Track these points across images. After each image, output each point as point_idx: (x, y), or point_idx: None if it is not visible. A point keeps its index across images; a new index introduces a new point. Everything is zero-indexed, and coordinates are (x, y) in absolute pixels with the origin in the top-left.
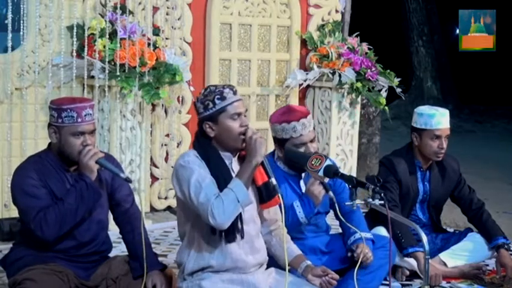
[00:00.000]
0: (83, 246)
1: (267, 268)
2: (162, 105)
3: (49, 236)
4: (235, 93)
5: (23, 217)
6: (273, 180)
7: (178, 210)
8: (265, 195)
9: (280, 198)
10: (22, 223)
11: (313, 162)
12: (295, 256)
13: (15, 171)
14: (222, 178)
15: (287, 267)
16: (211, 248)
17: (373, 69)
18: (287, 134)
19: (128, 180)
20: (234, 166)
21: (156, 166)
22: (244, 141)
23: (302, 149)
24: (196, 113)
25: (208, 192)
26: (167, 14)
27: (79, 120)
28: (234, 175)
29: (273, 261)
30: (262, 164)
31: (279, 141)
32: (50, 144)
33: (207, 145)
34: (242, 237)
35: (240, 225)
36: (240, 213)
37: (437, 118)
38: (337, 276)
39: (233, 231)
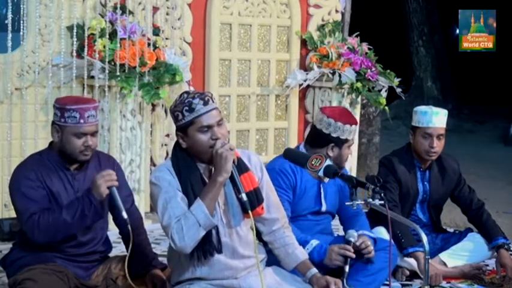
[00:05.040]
0: (82, 245)
1: (267, 265)
2: (162, 105)
3: (39, 239)
4: (206, 103)
5: (18, 217)
6: (243, 196)
7: None
8: (241, 208)
9: (251, 215)
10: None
11: (313, 162)
12: (301, 262)
13: (15, 170)
14: (192, 192)
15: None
16: (192, 261)
17: (373, 69)
18: (336, 132)
19: (126, 221)
20: None
21: (156, 166)
22: None
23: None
24: None
25: (172, 214)
26: (167, 14)
27: (81, 121)
28: None
29: (274, 260)
30: (231, 178)
31: (323, 136)
32: (51, 142)
33: (181, 155)
34: (219, 252)
35: (215, 242)
36: (217, 228)
37: (429, 116)
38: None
39: (208, 249)
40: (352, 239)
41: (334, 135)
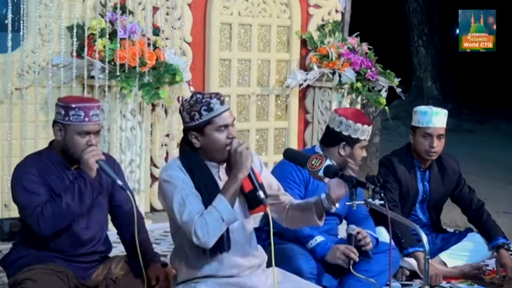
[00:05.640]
0: (82, 245)
1: (268, 266)
2: (162, 105)
3: (45, 231)
4: (222, 103)
5: (21, 212)
6: (261, 194)
7: (169, 219)
8: (248, 204)
9: (268, 207)
10: (22, 222)
11: (313, 162)
12: (313, 203)
13: (16, 167)
14: (206, 190)
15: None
16: (201, 259)
17: (373, 69)
18: (347, 130)
19: (123, 188)
20: (222, 174)
21: (156, 166)
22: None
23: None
24: (182, 122)
25: (192, 210)
26: (167, 14)
27: (86, 119)
28: (220, 184)
29: (276, 261)
30: (248, 175)
31: (335, 134)
32: (51, 142)
33: (191, 155)
34: (228, 249)
35: (225, 239)
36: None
37: (429, 116)
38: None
39: (219, 246)
40: (352, 232)
41: (345, 133)
